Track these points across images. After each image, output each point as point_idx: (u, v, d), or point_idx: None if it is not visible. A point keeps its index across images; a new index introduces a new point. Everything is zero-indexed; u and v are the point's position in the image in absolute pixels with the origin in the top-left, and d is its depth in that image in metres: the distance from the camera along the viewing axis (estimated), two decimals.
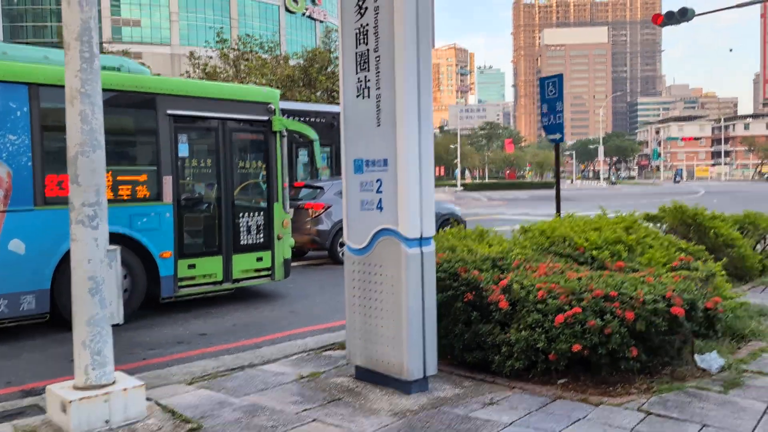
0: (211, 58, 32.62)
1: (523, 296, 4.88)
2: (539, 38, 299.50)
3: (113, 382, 4.17)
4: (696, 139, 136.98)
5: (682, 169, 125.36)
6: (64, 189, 7.15)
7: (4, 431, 4.14)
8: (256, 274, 8.92)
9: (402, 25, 4.55)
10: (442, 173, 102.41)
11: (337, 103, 18.34)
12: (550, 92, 9.43)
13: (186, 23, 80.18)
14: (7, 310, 6.95)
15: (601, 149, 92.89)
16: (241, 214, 8.73)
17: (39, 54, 7.60)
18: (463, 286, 5.25)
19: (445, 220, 14.47)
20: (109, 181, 7.61)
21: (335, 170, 15.95)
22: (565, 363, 4.70)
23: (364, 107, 4.91)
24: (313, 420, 4.29)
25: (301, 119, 14.24)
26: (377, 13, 4.73)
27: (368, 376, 5.04)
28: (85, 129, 4.06)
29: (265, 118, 8.92)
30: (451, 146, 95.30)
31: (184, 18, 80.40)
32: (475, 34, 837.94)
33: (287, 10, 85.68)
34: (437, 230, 8.53)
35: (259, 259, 8.91)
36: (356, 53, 4.95)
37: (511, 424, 4.12)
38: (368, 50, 4.84)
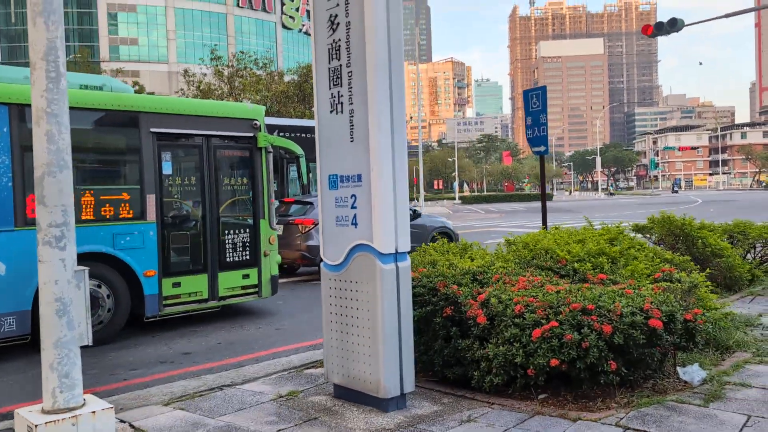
0: (205, 75, 32.70)
1: (501, 310, 4.83)
2: (535, 51, 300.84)
3: (82, 405, 4.11)
4: (693, 148, 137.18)
5: (680, 179, 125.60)
6: None
7: None
8: (242, 292, 8.85)
9: (373, 39, 4.53)
10: (441, 186, 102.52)
11: None
12: (533, 104, 9.41)
13: (183, 41, 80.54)
14: None
15: (598, 160, 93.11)
16: (226, 232, 8.68)
17: (20, 74, 7.58)
18: (442, 301, 5.21)
19: (437, 234, 14.41)
20: (91, 200, 7.61)
21: None
22: (545, 378, 4.63)
23: (337, 123, 4.88)
24: None
25: (293, 135, 14.26)
26: (349, 29, 4.72)
27: (346, 394, 4.98)
28: (51, 149, 4.02)
29: (251, 134, 8.89)
30: (449, 159, 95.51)
31: (181, 36, 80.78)
32: (472, 47, 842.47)
33: (284, 26, 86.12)
34: (430, 243, 8.47)
35: (246, 277, 8.84)
36: (329, 68, 4.93)
37: None
38: (341, 65, 4.82)
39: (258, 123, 8.96)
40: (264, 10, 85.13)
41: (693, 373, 4.97)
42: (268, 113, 29.94)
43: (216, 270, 8.56)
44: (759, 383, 4.86)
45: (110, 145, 8.17)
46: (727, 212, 32.54)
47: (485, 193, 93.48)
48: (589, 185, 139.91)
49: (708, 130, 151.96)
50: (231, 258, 8.71)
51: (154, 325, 8.54)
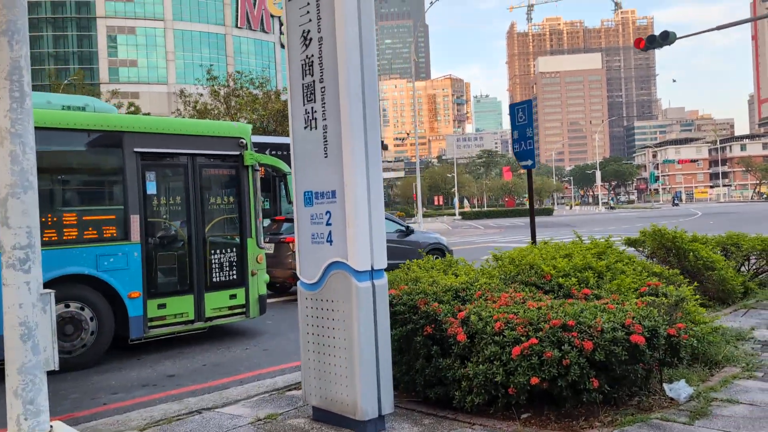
0: (201, 95, 32.78)
1: (481, 328, 4.72)
2: (534, 66, 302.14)
3: None
4: (693, 161, 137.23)
5: (681, 192, 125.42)
6: None
7: None
8: (229, 312, 8.74)
9: (345, 54, 4.47)
10: (441, 202, 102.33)
11: None
12: (520, 118, 9.34)
13: (182, 62, 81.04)
14: None
15: (598, 174, 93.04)
16: (212, 251, 8.59)
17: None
18: (423, 319, 5.10)
19: (430, 251, 14.33)
20: (74, 221, 7.53)
21: None
22: (526, 397, 4.52)
23: (312, 139, 4.81)
24: None
25: (285, 153, 14.20)
26: (321, 44, 4.66)
27: (325, 416, 4.86)
28: (15, 170, 3.95)
29: (237, 152, 8.83)
30: (449, 175, 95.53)
31: (180, 57, 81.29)
32: (471, 64, 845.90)
33: (282, 46, 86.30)
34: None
35: (233, 297, 8.73)
36: (303, 84, 4.87)
37: None
38: (314, 81, 4.76)
39: (244, 141, 8.90)
40: (262, 30, 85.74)
41: (679, 389, 4.85)
42: (265, 132, 29.99)
43: (202, 290, 8.46)
44: (746, 399, 4.74)
45: (93, 166, 8.10)
46: (726, 225, 32.41)
47: (485, 208, 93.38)
48: (590, 199, 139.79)
49: (708, 142, 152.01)
50: (218, 278, 8.61)
51: (140, 347, 8.43)
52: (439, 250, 14.65)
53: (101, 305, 7.69)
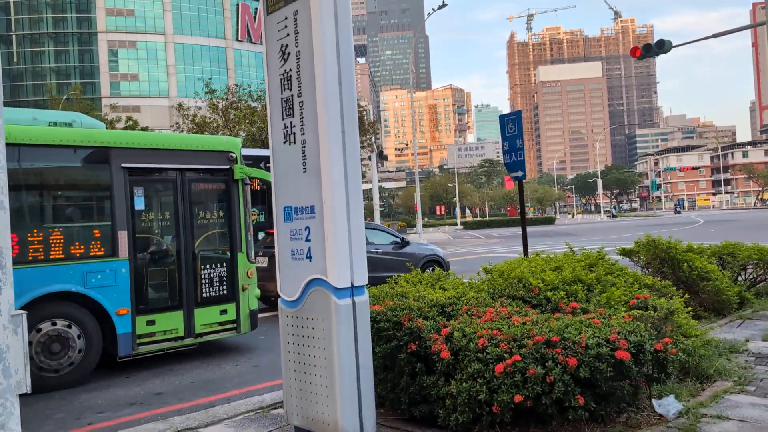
0: (200, 108, 32.80)
1: (464, 345, 4.63)
2: (534, 75, 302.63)
3: None
4: (695, 168, 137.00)
5: (683, 200, 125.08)
6: None
7: None
8: (220, 328, 8.65)
9: (322, 69, 4.41)
10: (443, 212, 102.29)
11: None
12: (509, 130, 9.28)
13: (183, 75, 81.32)
14: None
15: (599, 183, 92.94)
16: (202, 266, 8.51)
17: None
18: (407, 336, 5.02)
19: (426, 262, 14.24)
20: (60, 238, 7.47)
21: None
22: (511, 414, 4.42)
23: (290, 153, 4.75)
24: None
25: None
26: (299, 58, 4.61)
27: None
28: None
29: (227, 166, 8.78)
30: (450, 185, 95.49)
31: (181, 70, 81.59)
32: (472, 74, 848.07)
33: None
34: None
35: (223, 312, 8.65)
36: (281, 99, 4.81)
37: None
38: (292, 96, 4.70)
39: (234, 155, 8.84)
40: (263, 43, 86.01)
41: (668, 405, 4.75)
42: (264, 145, 29.94)
43: (192, 306, 8.37)
44: (737, 415, 4.64)
45: (80, 182, 8.05)
46: (728, 232, 32.27)
47: (487, 218, 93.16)
48: (593, 208, 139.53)
49: (709, 149, 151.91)
50: (208, 293, 8.53)
51: (130, 364, 8.34)
52: (435, 262, 14.57)
53: (89, 323, 7.61)
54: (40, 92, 76.22)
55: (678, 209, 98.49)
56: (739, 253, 9.37)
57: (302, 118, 4.62)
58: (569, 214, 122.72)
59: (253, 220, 9.48)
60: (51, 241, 7.37)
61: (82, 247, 7.60)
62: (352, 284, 4.47)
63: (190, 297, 8.35)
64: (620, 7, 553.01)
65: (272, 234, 13.20)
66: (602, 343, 4.32)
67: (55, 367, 7.36)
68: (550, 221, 76.43)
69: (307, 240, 4.63)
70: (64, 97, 45.47)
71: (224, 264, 8.72)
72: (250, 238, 8.96)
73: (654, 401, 4.83)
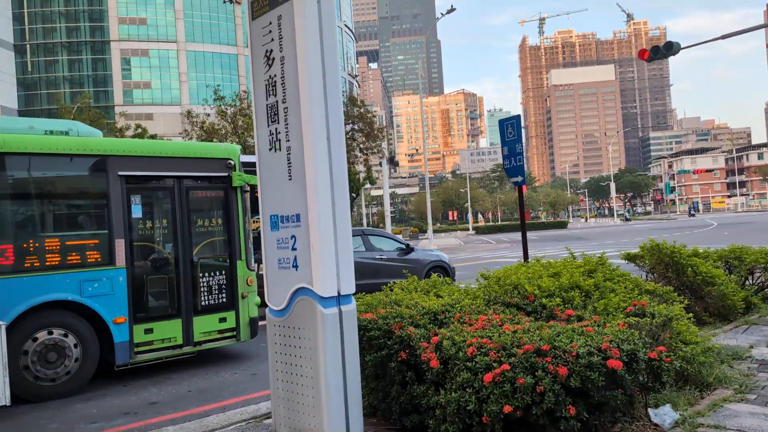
0: (209, 115, 32.88)
1: (454, 354, 4.53)
2: (547, 79, 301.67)
3: None
4: (709, 171, 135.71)
5: (697, 202, 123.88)
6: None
7: None
8: (219, 336, 8.59)
9: (306, 75, 4.35)
10: (455, 217, 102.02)
11: None
12: (509, 134, 9.18)
13: (195, 83, 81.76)
14: None
15: (612, 186, 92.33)
16: (201, 274, 8.46)
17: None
18: (397, 344, 4.93)
19: (431, 268, 14.14)
20: (57, 246, 7.45)
21: None
22: (501, 425, 4.32)
23: (276, 161, 4.69)
24: None
25: None
26: (283, 64, 4.55)
27: None
28: None
29: (225, 174, 8.74)
30: (462, 190, 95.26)
31: (193, 78, 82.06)
32: (484, 78, 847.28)
33: None
34: (424, 278, 8.16)
35: (223, 320, 8.60)
36: (267, 105, 4.75)
37: None
38: (277, 102, 4.64)
39: (233, 162, 8.80)
40: (249, 48, 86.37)
41: (665, 415, 4.62)
42: None
43: (191, 314, 8.33)
44: (734, 425, 4.50)
45: (76, 190, 8.03)
46: (742, 235, 31.87)
47: (499, 222, 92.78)
48: (606, 211, 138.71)
49: (724, 152, 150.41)
50: (206, 301, 8.48)
51: (128, 373, 8.30)
52: (441, 268, 14.47)
53: (86, 331, 7.58)
54: (54, 101, 76.90)
55: (692, 212, 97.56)
56: (746, 257, 9.18)
57: (287, 124, 4.56)
58: (582, 217, 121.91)
59: (254, 228, 9.42)
60: (47, 250, 7.36)
61: (78, 255, 7.58)
62: (338, 293, 4.41)
63: (188, 305, 8.31)
64: (633, 9, 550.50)
65: None
66: (594, 352, 4.20)
67: (51, 377, 7.33)
68: (563, 225, 75.94)
69: (294, 249, 4.56)
70: (75, 106, 45.77)
71: (223, 272, 8.67)
72: (249, 246, 8.91)
73: (650, 410, 4.71)
